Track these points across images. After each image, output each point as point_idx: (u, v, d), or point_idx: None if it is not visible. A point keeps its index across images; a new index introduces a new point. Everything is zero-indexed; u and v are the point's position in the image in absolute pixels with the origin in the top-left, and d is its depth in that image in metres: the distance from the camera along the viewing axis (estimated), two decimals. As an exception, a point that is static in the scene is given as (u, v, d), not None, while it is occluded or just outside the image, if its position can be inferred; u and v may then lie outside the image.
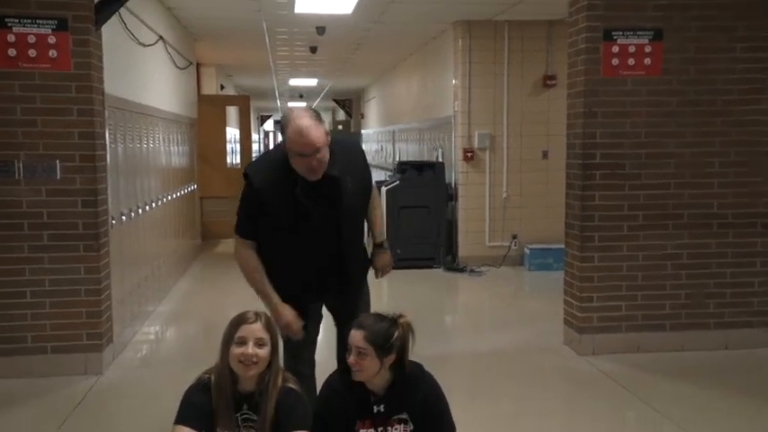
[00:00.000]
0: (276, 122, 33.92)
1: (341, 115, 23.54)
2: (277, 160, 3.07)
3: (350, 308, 3.20)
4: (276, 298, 3.11)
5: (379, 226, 3.44)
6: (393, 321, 2.70)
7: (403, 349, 2.69)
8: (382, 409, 2.70)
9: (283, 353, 3.10)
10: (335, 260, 3.17)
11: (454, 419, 2.77)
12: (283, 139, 3.03)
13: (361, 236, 3.33)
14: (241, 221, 3.15)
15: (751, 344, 5.11)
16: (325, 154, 2.98)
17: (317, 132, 2.93)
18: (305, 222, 3.06)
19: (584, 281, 5.02)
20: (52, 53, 4.44)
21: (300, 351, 3.23)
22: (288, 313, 3.10)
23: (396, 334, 2.66)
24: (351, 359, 2.64)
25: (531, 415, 4.06)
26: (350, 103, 21.26)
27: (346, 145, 3.26)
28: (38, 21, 4.42)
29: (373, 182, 3.45)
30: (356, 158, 3.25)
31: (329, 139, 3.01)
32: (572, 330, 5.18)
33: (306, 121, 2.93)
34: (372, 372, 2.65)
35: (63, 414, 4.03)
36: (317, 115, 3.00)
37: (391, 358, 2.66)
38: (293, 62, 12.48)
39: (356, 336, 2.65)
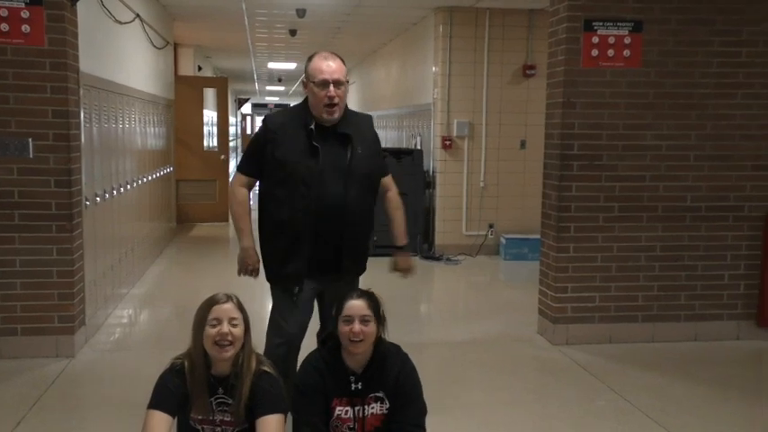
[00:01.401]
0: (254, 105, 33.62)
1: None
2: (295, 108, 3.37)
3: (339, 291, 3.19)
4: (249, 239, 3.33)
5: (402, 227, 3.52)
6: (372, 293, 2.80)
7: (384, 321, 2.80)
8: (360, 387, 2.73)
9: (268, 350, 3.15)
10: (339, 223, 3.19)
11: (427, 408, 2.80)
12: (305, 75, 3.24)
13: (369, 209, 3.36)
14: (245, 158, 3.41)
15: (720, 336, 5.20)
16: (343, 94, 3.20)
17: (341, 65, 3.21)
18: (313, 166, 3.13)
19: (559, 271, 5.06)
20: (25, 28, 4.34)
21: (289, 349, 3.26)
22: (253, 254, 3.32)
23: (381, 304, 2.78)
24: (356, 328, 2.67)
25: (503, 404, 4.10)
26: (329, 88, 21.07)
27: (360, 116, 3.46)
28: (11, -5, 4.31)
29: (389, 176, 3.52)
30: (367, 130, 3.41)
31: (348, 87, 3.25)
32: (546, 320, 5.22)
33: (332, 54, 3.23)
34: (371, 341, 2.72)
35: (33, 397, 3.98)
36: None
37: (381, 329, 2.75)
38: (272, 44, 12.35)
39: (359, 304, 2.72)
